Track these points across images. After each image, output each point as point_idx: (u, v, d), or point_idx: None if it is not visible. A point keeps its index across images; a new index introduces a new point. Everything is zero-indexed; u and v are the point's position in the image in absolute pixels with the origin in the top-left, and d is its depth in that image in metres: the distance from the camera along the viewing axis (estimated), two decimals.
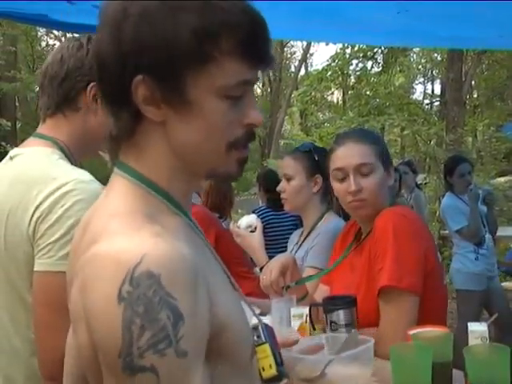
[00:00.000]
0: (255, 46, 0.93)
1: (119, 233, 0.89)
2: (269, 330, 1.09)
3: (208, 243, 1.06)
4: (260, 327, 1.08)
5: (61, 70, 1.62)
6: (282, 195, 2.76)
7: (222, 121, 0.95)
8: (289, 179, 2.71)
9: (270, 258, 2.41)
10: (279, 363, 1.06)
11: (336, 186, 2.14)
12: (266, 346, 1.06)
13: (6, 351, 1.56)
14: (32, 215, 1.47)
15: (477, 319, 4.48)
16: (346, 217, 2.60)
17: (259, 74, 1.00)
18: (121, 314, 0.81)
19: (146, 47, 0.90)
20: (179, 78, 0.92)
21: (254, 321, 1.13)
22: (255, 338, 1.06)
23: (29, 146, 1.66)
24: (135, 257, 0.83)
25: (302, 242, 2.75)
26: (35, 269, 1.46)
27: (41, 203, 1.47)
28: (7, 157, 1.67)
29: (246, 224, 2.57)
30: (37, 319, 1.45)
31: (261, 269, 2.39)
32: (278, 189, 2.77)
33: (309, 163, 2.71)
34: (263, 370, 1.05)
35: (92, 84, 1.60)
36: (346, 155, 2.10)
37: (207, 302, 0.89)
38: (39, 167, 1.56)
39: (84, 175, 1.53)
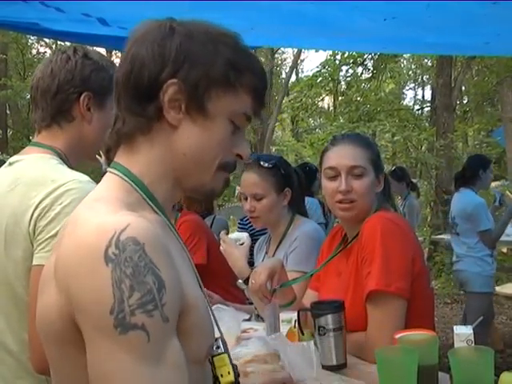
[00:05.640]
0: (262, 95, 1.14)
1: (102, 210, 0.98)
2: (225, 343, 1.17)
3: (184, 246, 1.14)
4: (220, 339, 1.15)
5: (52, 84, 1.67)
6: (252, 214, 2.72)
7: (224, 140, 1.11)
8: (259, 199, 2.68)
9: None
10: (236, 372, 1.14)
11: (326, 184, 2.16)
12: (225, 356, 1.13)
13: None
14: (32, 214, 1.52)
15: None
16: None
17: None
18: (110, 274, 0.88)
19: (187, 59, 1.06)
20: (206, 91, 1.07)
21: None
22: (214, 347, 1.13)
23: (28, 154, 1.71)
24: (120, 223, 0.92)
25: (276, 249, 2.76)
26: (33, 263, 1.50)
27: (40, 202, 1.52)
28: (6, 163, 1.72)
29: (236, 237, 2.58)
30: (31, 312, 1.48)
31: (245, 281, 2.39)
32: (247, 209, 2.72)
33: (276, 179, 2.68)
34: (222, 376, 1.12)
35: (85, 94, 1.67)
36: (340, 155, 2.13)
37: (178, 281, 0.96)
38: (39, 170, 1.61)
39: (82, 176, 1.59)
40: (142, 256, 0.89)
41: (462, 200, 5.03)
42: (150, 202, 1.07)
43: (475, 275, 4.87)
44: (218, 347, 1.13)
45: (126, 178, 1.08)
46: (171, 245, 1.03)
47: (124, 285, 0.87)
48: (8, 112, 19.24)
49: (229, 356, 1.14)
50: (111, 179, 1.09)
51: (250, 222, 3.51)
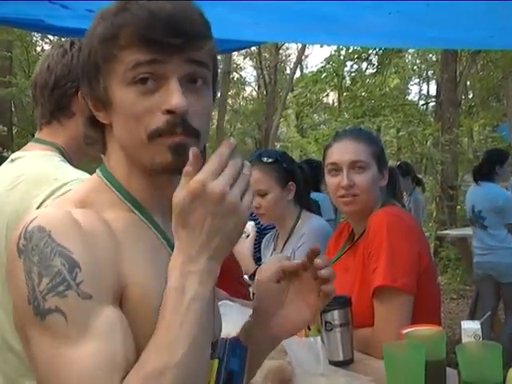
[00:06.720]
0: (149, 35, 0.96)
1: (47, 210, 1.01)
2: (231, 347, 1.09)
3: (167, 245, 1.08)
4: (219, 343, 1.10)
5: (49, 79, 1.65)
6: (258, 211, 2.70)
7: (133, 107, 0.99)
8: (263, 194, 2.67)
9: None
10: (222, 382, 1.07)
11: (329, 179, 2.17)
12: (214, 362, 1.07)
13: (1, 347, 1.58)
14: None
15: None
16: None
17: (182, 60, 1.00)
18: (22, 265, 0.91)
19: (80, 64, 1.06)
20: (98, 82, 1.02)
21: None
22: (211, 350, 1.06)
23: (29, 150, 1.70)
24: (30, 217, 0.95)
25: (283, 245, 2.74)
26: None
27: (43, 201, 1.50)
28: (8, 159, 1.71)
29: None
30: None
31: (250, 276, 2.39)
32: (253, 205, 2.70)
33: (279, 173, 2.68)
34: (209, 383, 1.06)
35: None
36: (342, 150, 2.14)
37: (110, 263, 0.94)
38: (41, 168, 1.59)
39: (84, 175, 1.56)
40: (47, 242, 0.90)
41: (489, 193, 5.08)
42: (124, 200, 1.05)
43: (510, 266, 4.94)
44: (214, 351, 1.08)
45: (102, 177, 1.07)
46: (138, 242, 1.01)
47: (33, 273, 0.89)
48: (13, 109, 19.25)
49: (226, 362, 1.08)
50: (91, 179, 1.11)
51: (257, 218, 3.51)
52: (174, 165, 0.98)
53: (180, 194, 0.89)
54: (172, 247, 1.04)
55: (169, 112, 0.97)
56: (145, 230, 1.05)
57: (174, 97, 0.97)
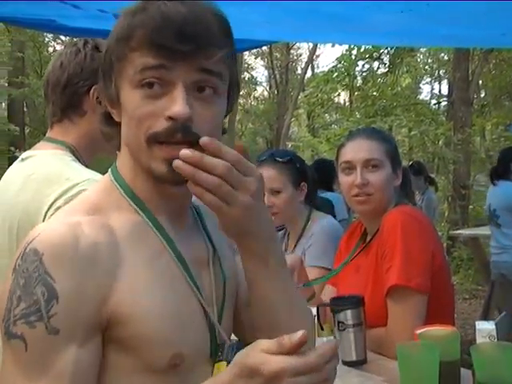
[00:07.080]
0: (158, 39, 0.95)
1: (58, 216, 1.03)
2: (237, 350, 1.04)
3: (170, 249, 1.05)
4: (226, 345, 1.09)
5: (62, 77, 1.65)
6: (271, 210, 2.64)
7: (137, 110, 0.98)
8: (277, 193, 2.65)
9: None
10: None
11: (342, 178, 2.16)
12: (223, 364, 1.08)
13: None
14: (46, 213, 1.50)
15: None
16: None
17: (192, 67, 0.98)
18: (10, 284, 0.93)
19: (100, 62, 1.07)
20: (111, 80, 1.03)
21: None
22: (219, 353, 1.09)
23: (40, 149, 1.70)
24: (34, 233, 0.96)
25: (294, 246, 2.73)
26: None
27: (55, 201, 1.50)
28: (19, 159, 1.71)
29: None
30: None
31: None
32: (266, 204, 2.67)
33: (293, 173, 2.66)
34: None
35: (94, 87, 1.63)
36: (356, 149, 2.13)
37: (98, 289, 0.94)
38: (53, 167, 1.59)
39: (96, 175, 1.56)
40: (37, 267, 0.91)
41: (505, 192, 5.05)
42: (131, 202, 1.04)
43: None
44: (222, 353, 1.08)
45: (111, 177, 1.08)
46: (140, 248, 1.01)
47: (15, 295, 0.91)
48: (25, 110, 19.34)
49: (229, 363, 1.05)
50: (103, 180, 1.11)
51: None
52: (168, 177, 0.98)
53: (255, 357, 0.83)
54: (174, 249, 1.05)
55: (170, 119, 0.96)
56: (148, 233, 1.04)
57: (177, 104, 0.96)
